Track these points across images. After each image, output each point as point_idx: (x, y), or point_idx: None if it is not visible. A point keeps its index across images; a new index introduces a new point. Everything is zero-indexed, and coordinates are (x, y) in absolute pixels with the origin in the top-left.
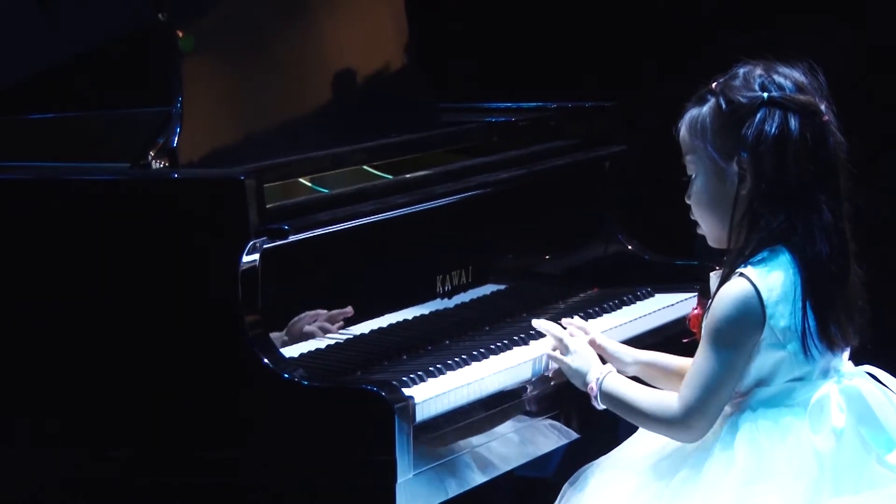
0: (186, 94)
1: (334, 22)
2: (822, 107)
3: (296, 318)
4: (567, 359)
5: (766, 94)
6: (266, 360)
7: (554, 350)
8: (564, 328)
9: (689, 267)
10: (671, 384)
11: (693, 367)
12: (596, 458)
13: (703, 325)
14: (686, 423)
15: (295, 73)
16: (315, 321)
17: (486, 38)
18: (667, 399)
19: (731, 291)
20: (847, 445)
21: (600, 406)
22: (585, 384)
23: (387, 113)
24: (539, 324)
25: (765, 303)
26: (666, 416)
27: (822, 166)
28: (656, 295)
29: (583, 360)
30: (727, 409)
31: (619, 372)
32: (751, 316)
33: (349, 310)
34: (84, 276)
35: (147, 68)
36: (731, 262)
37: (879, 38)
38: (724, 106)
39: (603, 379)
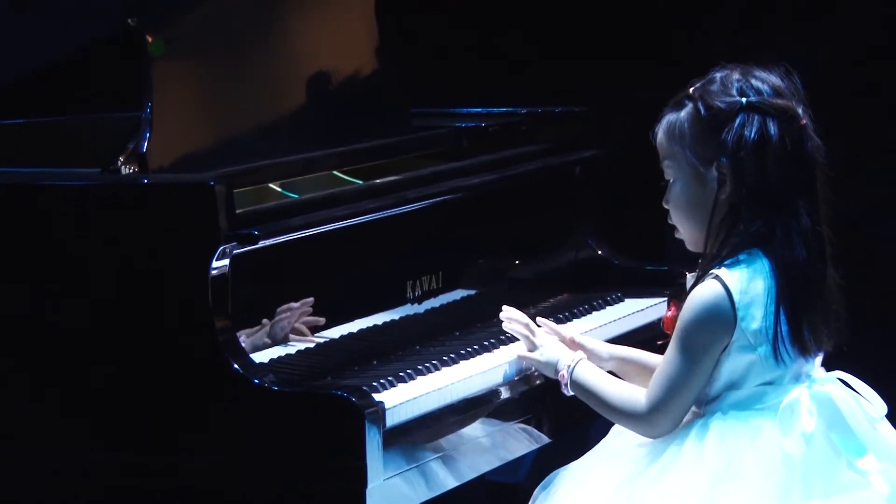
0: (157, 98)
1: (306, 27)
2: (800, 110)
3: (275, 319)
4: (535, 354)
5: (744, 99)
6: (236, 366)
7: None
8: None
9: (659, 272)
10: (646, 381)
11: (661, 366)
12: (567, 463)
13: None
14: (649, 419)
15: (266, 78)
16: (287, 318)
17: (456, 43)
18: (635, 394)
19: (702, 294)
20: (817, 449)
21: (569, 392)
22: (557, 372)
23: (358, 118)
24: (508, 324)
25: (736, 304)
26: (631, 411)
27: (800, 170)
28: (626, 300)
29: (551, 351)
30: (695, 410)
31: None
32: (720, 319)
33: (321, 319)
34: (54, 281)
35: (118, 73)
36: (705, 264)
37: (860, 39)
38: (702, 111)
39: (574, 366)
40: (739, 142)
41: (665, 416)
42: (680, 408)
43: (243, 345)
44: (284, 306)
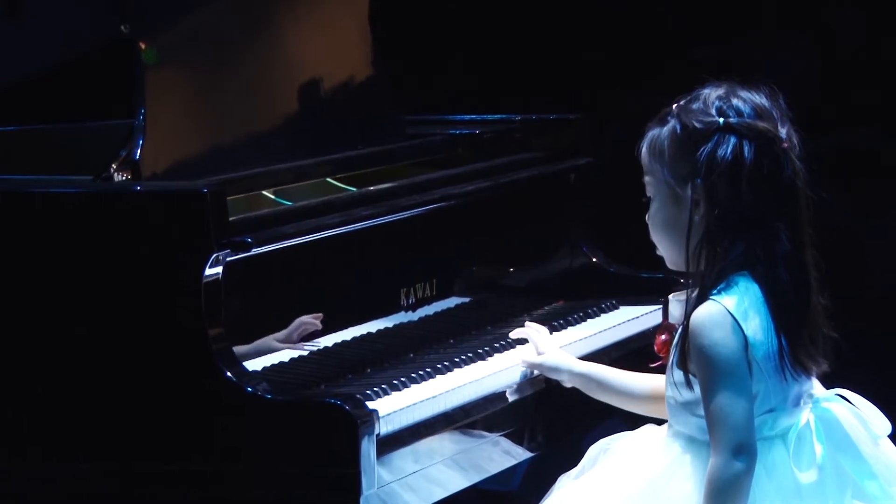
0: (150, 106)
1: (299, 34)
2: (783, 132)
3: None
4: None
5: (721, 119)
6: (229, 374)
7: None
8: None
9: (654, 279)
10: (607, 397)
11: (711, 416)
12: (560, 472)
13: (691, 367)
14: (735, 467)
15: (259, 85)
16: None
17: (450, 50)
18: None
19: (705, 313)
20: (828, 477)
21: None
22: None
23: (351, 125)
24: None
25: (745, 333)
26: (714, 478)
27: (778, 194)
28: (621, 307)
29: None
30: (698, 436)
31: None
32: (733, 328)
33: (318, 323)
34: (46, 290)
35: (111, 80)
36: (699, 293)
37: (846, 51)
38: (678, 129)
39: None
40: (712, 163)
41: (745, 455)
42: (751, 438)
43: (259, 345)
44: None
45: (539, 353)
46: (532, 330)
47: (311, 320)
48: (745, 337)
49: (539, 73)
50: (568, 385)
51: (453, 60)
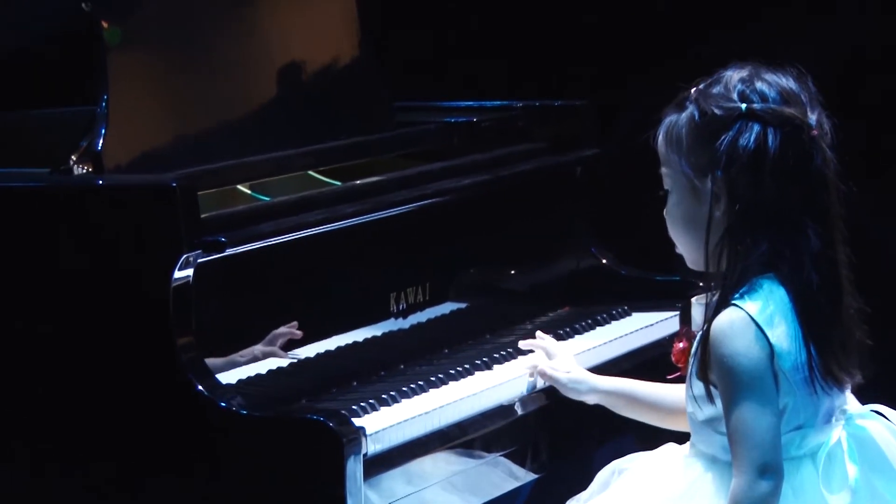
0: (113, 91)
1: (279, 14)
2: (813, 119)
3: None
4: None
5: (743, 105)
6: (200, 387)
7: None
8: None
9: (671, 283)
10: (638, 413)
11: (733, 432)
12: (567, 496)
13: (712, 377)
14: (759, 488)
15: (235, 69)
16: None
17: (444, 31)
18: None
19: (727, 320)
20: (861, 500)
21: None
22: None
23: (336, 113)
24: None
25: (771, 341)
26: (737, 500)
27: (806, 187)
28: (634, 314)
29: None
30: (720, 456)
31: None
32: (756, 337)
33: (298, 333)
34: (1, 293)
35: (71, 63)
36: (721, 295)
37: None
38: (697, 117)
39: None
40: (734, 153)
41: (771, 474)
42: (778, 456)
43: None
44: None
45: (552, 367)
46: (547, 342)
47: (287, 330)
48: (770, 346)
49: (542, 55)
50: (592, 403)
51: (448, 42)
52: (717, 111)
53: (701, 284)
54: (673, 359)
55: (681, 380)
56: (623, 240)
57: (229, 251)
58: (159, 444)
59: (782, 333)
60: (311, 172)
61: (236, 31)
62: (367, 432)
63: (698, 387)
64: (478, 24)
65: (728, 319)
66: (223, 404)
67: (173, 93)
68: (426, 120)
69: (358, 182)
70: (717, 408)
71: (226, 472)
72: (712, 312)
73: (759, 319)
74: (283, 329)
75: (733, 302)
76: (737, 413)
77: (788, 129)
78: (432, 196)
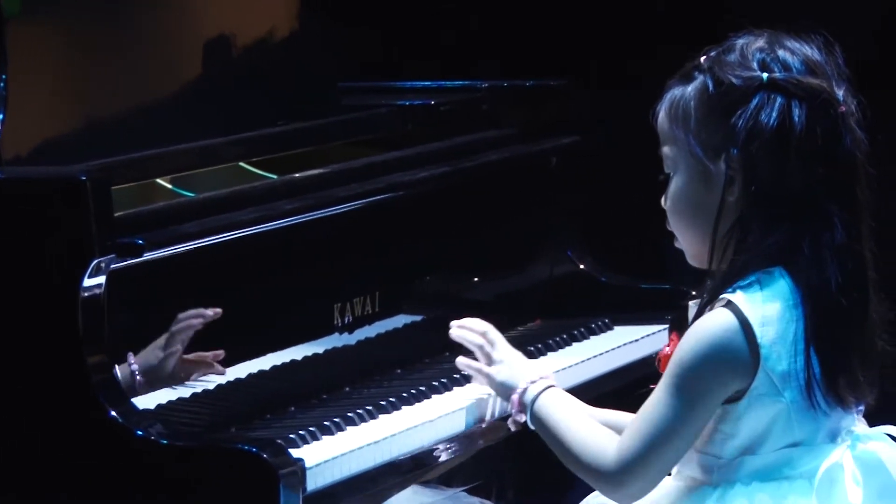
0: (12, 71)
1: None
2: (840, 93)
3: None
4: (491, 370)
5: (765, 75)
6: (114, 413)
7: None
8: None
9: (659, 291)
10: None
11: (642, 410)
12: None
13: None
14: (619, 479)
15: (155, 46)
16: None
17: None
18: (604, 442)
19: (709, 325)
20: None
21: (524, 421)
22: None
23: (272, 96)
24: (457, 331)
25: (759, 342)
26: (597, 465)
27: (835, 170)
28: (616, 328)
29: (513, 369)
30: (701, 478)
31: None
32: (730, 359)
33: (220, 352)
34: None
35: None
36: (714, 286)
37: None
38: (711, 87)
39: (539, 394)
40: (753, 129)
41: (637, 477)
42: (658, 467)
43: (133, 367)
44: (193, 311)
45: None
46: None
47: (207, 361)
48: (755, 352)
49: (514, 27)
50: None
51: (402, 13)
52: (735, 80)
53: (693, 294)
54: (658, 366)
55: None
56: (605, 242)
57: (147, 255)
58: (68, 476)
59: (777, 334)
60: (242, 164)
61: (156, 2)
62: (307, 465)
63: None
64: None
65: (711, 324)
66: (140, 432)
67: (84, 73)
68: (376, 103)
69: (297, 175)
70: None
71: None
72: (700, 308)
73: (752, 319)
74: (206, 355)
75: (728, 296)
76: (663, 404)
77: (816, 102)
78: (383, 191)
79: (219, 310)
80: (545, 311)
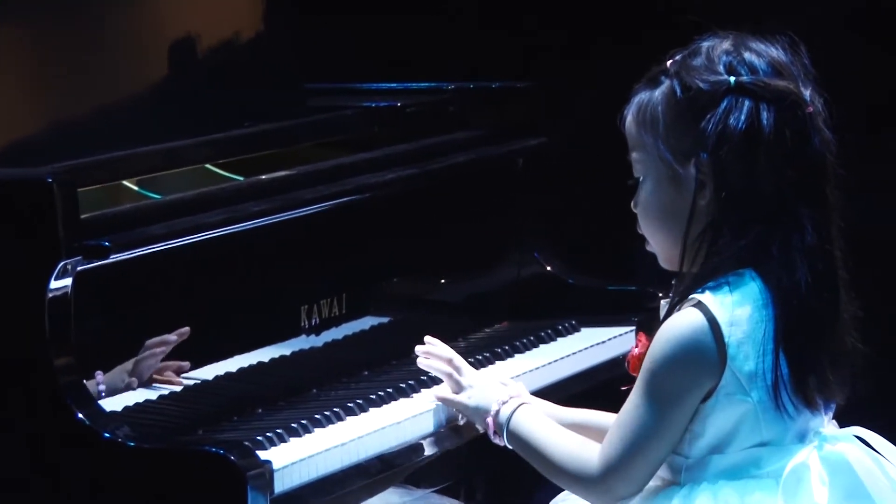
0: None
1: None
2: (807, 94)
3: (142, 356)
4: (461, 397)
5: (732, 79)
6: (80, 415)
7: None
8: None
9: (625, 293)
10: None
11: (620, 416)
12: None
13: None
14: (605, 484)
15: (121, 45)
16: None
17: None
18: (587, 452)
19: (677, 324)
20: None
21: (503, 443)
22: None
23: (238, 97)
24: (424, 360)
25: (726, 341)
26: (582, 474)
27: (804, 171)
28: (583, 329)
29: (483, 393)
30: (669, 479)
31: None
32: (700, 358)
33: (186, 363)
34: None
35: None
36: (684, 287)
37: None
38: (679, 92)
39: (513, 412)
40: (723, 133)
41: (624, 480)
42: (644, 469)
43: (100, 387)
44: (157, 339)
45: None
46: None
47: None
48: (722, 351)
49: (480, 29)
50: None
51: (369, 14)
52: (702, 85)
53: (661, 295)
54: (628, 367)
55: None
56: (572, 244)
57: (114, 257)
58: (35, 478)
59: (745, 334)
60: (208, 166)
61: (123, 3)
62: (275, 467)
63: None
64: None
65: (679, 324)
66: (107, 434)
67: (49, 73)
68: (343, 105)
69: (264, 177)
70: None
71: None
72: (669, 308)
73: (720, 318)
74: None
75: (697, 297)
76: (641, 409)
77: (784, 105)
78: (350, 193)
79: (185, 329)
80: (512, 312)
